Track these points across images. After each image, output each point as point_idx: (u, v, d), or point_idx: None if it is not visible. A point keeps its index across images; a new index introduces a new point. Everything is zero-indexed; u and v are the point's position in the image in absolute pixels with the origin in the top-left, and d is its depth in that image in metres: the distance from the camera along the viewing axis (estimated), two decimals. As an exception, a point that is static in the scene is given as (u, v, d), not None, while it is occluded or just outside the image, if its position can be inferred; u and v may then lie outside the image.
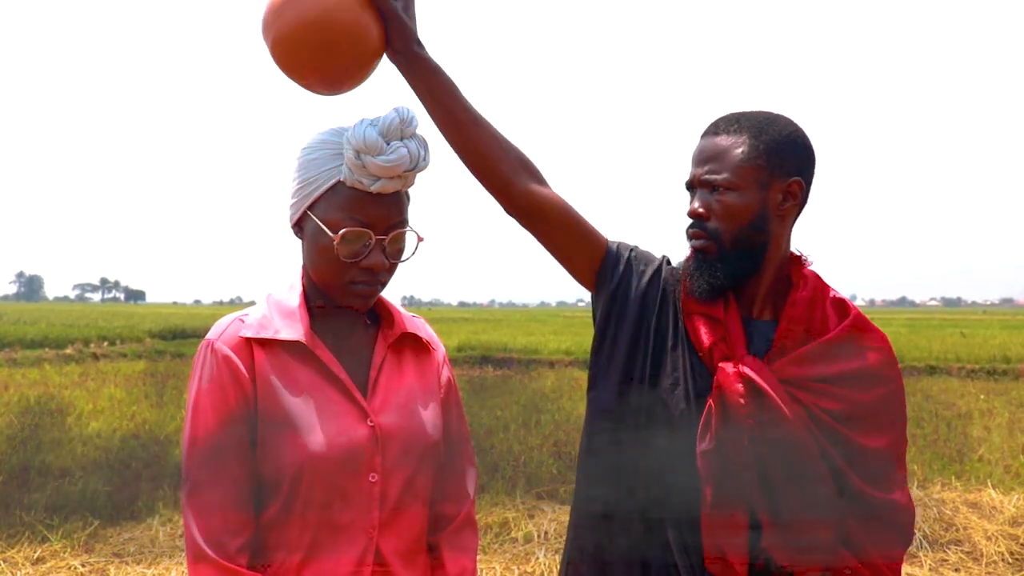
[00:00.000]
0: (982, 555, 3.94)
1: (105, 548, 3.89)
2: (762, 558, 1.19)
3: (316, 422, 1.12)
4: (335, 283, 1.15)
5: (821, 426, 1.21)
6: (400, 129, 1.11)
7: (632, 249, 1.40)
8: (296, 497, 1.11)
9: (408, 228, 1.17)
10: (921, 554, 3.94)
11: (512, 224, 1.40)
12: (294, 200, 1.17)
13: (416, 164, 1.13)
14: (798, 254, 1.35)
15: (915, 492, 4.98)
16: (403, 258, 1.19)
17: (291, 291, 1.21)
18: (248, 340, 1.14)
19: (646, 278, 1.37)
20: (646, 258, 1.40)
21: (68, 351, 15.01)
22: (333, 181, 1.12)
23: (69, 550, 3.84)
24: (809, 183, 1.30)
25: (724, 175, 1.25)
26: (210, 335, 1.16)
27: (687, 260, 1.31)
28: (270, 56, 1.16)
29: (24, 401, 8.05)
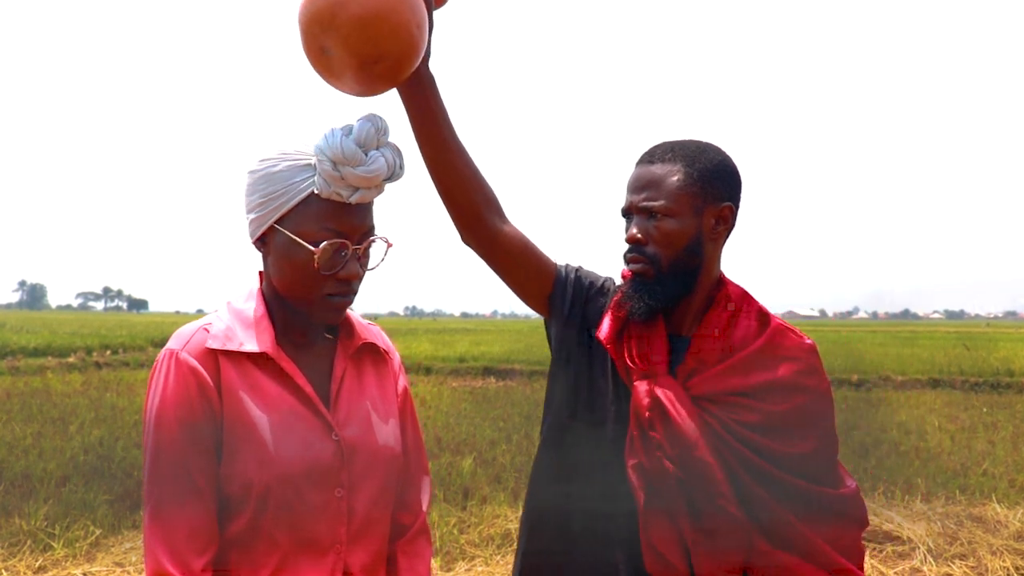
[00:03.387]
0: (987, 570, 3.92)
1: (107, 557, 3.87)
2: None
3: (282, 436, 1.10)
4: (311, 297, 1.12)
5: (737, 437, 1.26)
6: (376, 138, 1.10)
7: (577, 270, 1.45)
8: (262, 513, 1.08)
9: (377, 236, 1.16)
10: (926, 568, 3.92)
11: None
12: (256, 215, 1.12)
13: (393, 173, 1.12)
14: (724, 274, 1.40)
15: (919, 506, 4.96)
16: (373, 265, 1.17)
17: (250, 300, 1.18)
18: (213, 351, 1.11)
19: (591, 296, 1.42)
20: (591, 277, 1.45)
21: (71, 360, 15.03)
22: (305, 194, 1.08)
23: (71, 559, 3.83)
24: (738, 207, 1.36)
25: (661, 202, 1.30)
26: (173, 344, 1.12)
27: (624, 283, 1.36)
28: (333, 44, 1.06)
29: (26, 409, 8.06)
